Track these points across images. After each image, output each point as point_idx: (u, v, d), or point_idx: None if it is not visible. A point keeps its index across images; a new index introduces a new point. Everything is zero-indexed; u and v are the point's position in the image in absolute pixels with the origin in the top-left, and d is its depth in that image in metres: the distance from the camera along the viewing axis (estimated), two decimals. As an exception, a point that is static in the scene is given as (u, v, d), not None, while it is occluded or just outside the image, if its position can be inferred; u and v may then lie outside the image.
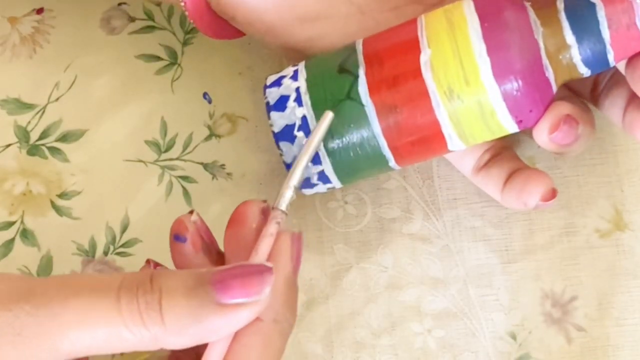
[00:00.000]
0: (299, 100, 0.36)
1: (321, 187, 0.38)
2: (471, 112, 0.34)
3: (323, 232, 0.43)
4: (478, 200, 0.43)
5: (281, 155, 0.37)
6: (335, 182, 0.37)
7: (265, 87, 0.37)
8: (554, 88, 0.35)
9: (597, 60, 0.34)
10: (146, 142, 0.44)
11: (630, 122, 0.37)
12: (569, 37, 0.34)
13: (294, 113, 0.36)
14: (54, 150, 0.44)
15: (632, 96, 0.37)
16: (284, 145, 0.36)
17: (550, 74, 0.35)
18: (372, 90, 0.35)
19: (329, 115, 0.35)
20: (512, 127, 0.35)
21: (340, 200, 0.43)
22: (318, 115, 0.36)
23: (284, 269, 0.33)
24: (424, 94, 0.35)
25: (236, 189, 0.43)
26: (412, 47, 0.35)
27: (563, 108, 0.36)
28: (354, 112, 0.36)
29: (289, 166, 0.37)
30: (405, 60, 0.35)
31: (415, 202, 0.43)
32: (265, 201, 0.35)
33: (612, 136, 0.43)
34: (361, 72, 0.36)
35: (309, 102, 0.36)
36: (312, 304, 0.42)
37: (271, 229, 0.33)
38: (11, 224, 0.43)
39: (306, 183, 0.37)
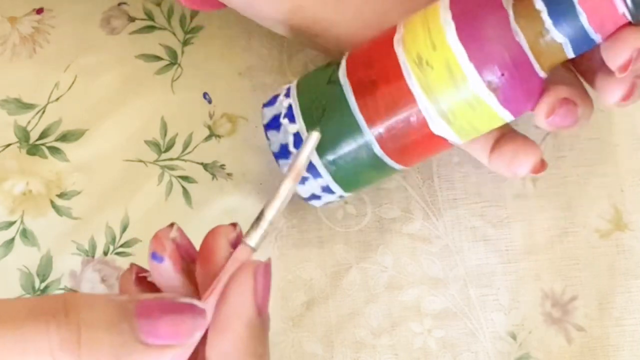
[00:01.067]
0: (290, 113, 0.38)
1: (314, 185, 0.38)
2: (441, 77, 0.35)
3: (323, 232, 0.43)
4: (478, 200, 0.43)
5: (268, 141, 0.38)
6: (323, 173, 0.37)
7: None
8: (529, 53, 0.35)
9: (568, 23, 0.34)
10: (146, 142, 0.44)
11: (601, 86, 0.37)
12: (538, 3, 0.34)
13: (282, 104, 0.38)
14: (53, 150, 0.44)
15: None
16: (271, 134, 0.38)
17: (521, 39, 0.34)
18: (350, 71, 0.37)
19: (314, 136, 0.34)
20: (486, 95, 0.35)
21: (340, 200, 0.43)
22: (302, 107, 0.37)
23: (245, 314, 0.30)
24: (396, 65, 0.35)
25: (236, 189, 0.43)
26: (390, 35, 0.36)
27: (560, 92, 0.35)
28: (333, 94, 0.37)
29: (276, 155, 0.38)
30: (382, 44, 0.36)
31: (415, 202, 0.43)
32: (235, 226, 0.32)
33: (612, 136, 0.43)
34: (343, 61, 0.37)
35: (295, 93, 0.38)
36: (312, 304, 0.42)
37: (233, 267, 0.30)
38: (11, 223, 0.43)
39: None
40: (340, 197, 0.39)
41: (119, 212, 0.43)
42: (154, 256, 0.31)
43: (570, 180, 0.43)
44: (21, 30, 0.45)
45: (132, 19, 0.45)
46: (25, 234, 0.43)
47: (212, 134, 0.44)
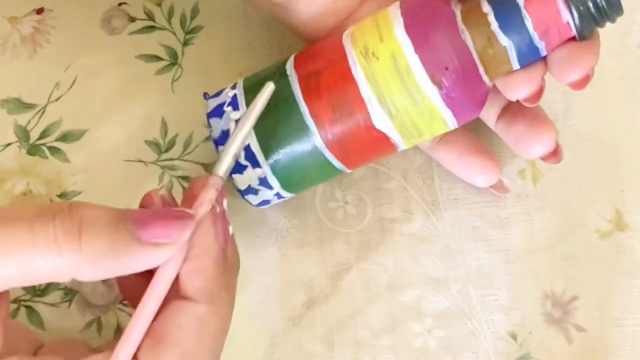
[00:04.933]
0: (234, 102, 0.38)
1: (252, 175, 0.37)
2: (386, 68, 0.35)
3: (323, 232, 0.43)
4: (478, 200, 0.43)
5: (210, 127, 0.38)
6: (262, 162, 0.37)
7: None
8: (473, 53, 0.35)
9: (514, 26, 0.34)
10: (146, 142, 0.44)
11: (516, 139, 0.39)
12: (485, 6, 0.35)
13: (227, 94, 0.38)
14: (54, 150, 0.44)
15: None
16: (214, 121, 0.38)
17: (467, 38, 0.35)
18: (298, 63, 0.37)
19: (269, 87, 0.36)
20: (430, 89, 0.35)
21: (340, 200, 0.43)
22: (246, 93, 0.37)
23: (211, 251, 0.33)
24: (342, 56, 0.36)
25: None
26: (340, 34, 0.37)
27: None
28: (279, 85, 0.36)
29: (217, 142, 0.37)
30: (331, 40, 0.37)
31: (415, 202, 0.43)
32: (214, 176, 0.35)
33: (612, 136, 0.43)
34: (291, 56, 0.38)
35: (241, 85, 0.38)
36: (312, 304, 0.42)
37: (209, 194, 0.34)
38: (11, 223, 0.43)
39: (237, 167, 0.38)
40: (278, 195, 0.38)
41: (119, 212, 0.43)
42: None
43: (570, 180, 0.43)
44: (21, 30, 0.45)
45: (132, 19, 0.45)
46: (25, 234, 0.43)
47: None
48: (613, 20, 0.34)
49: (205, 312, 0.32)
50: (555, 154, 0.38)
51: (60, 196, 0.43)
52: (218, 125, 0.37)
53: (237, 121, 0.37)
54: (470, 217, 0.43)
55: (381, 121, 0.36)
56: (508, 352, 0.41)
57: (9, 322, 0.35)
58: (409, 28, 0.35)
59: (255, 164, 0.37)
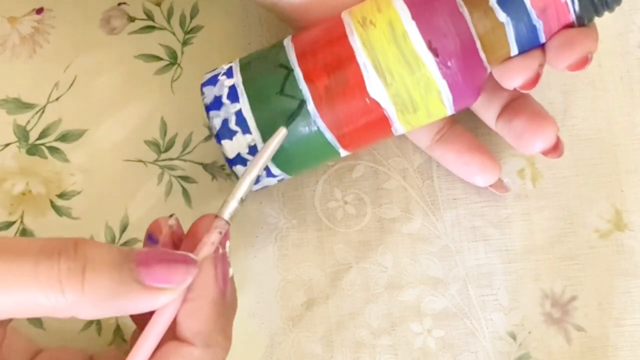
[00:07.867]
0: (229, 72, 0.38)
1: (242, 142, 0.37)
2: (383, 35, 0.35)
3: (323, 232, 0.43)
4: (478, 200, 0.43)
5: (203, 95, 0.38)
6: (253, 128, 0.36)
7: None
8: (471, 27, 0.35)
9: (513, 1, 0.34)
10: (146, 142, 0.44)
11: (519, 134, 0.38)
12: None
13: (224, 84, 0.37)
14: (53, 150, 0.44)
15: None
16: (207, 89, 0.37)
17: (465, 12, 0.35)
18: (295, 36, 0.37)
19: (282, 132, 0.35)
20: (426, 56, 0.35)
21: (340, 200, 0.43)
22: (242, 65, 0.37)
23: (210, 294, 0.33)
24: (340, 27, 0.36)
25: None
26: (339, 12, 0.37)
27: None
28: (274, 54, 0.37)
29: (208, 108, 0.37)
30: (329, 18, 0.37)
31: (415, 202, 0.43)
32: (216, 216, 0.35)
33: (612, 136, 0.43)
34: (289, 36, 0.38)
35: (237, 61, 0.38)
36: (312, 304, 0.42)
37: (212, 237, 0.34)
38: (11, 223, 0.43)
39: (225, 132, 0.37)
40: (267, 171, 0.38)
41: (118, 212, 0.43)
42: (150, 237, 0.35)
43: (570, 180, 0.43)
44: (21, 30, 0.45)
45: (132, 19, 0.45)
46: (25, 234, 0.43)
47: (211, 134, 0.44)
48: (611, 9, 0.34)
49: (201, 356, 0.32)
50: (556, 149, 0.38)
51: (59, 196, 0.43)
52: (211, 92, 0.37)
53: (230, 87, 0.37)
54: (470, 217, 0.43)
55: (376, 89, 0.35)
56: (507, 352, 0.41)
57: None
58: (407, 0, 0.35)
59: (246, 129, 0.36)
